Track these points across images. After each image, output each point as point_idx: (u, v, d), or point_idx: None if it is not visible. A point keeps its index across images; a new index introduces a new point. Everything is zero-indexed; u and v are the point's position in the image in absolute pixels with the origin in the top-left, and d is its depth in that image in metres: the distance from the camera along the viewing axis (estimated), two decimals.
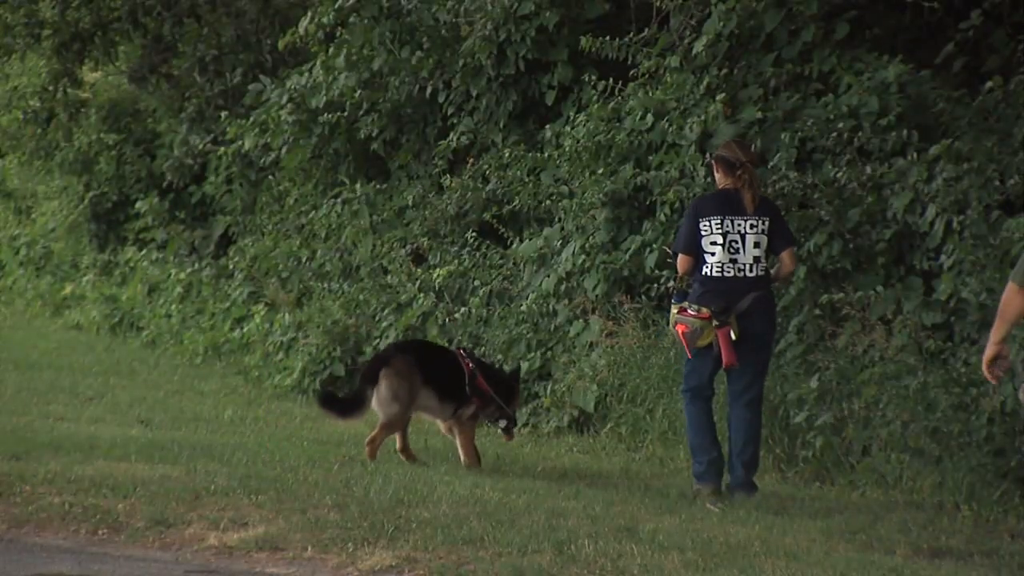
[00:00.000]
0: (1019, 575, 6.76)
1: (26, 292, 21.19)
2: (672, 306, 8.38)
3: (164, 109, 18.54)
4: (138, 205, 18.70)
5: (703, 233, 8.25)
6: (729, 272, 8.21)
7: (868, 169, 9.55)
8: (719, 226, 8.22)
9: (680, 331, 8.22)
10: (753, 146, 9.80)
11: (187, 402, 11.71)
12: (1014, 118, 9.51)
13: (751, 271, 8.22)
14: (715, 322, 8.11)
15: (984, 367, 6.17)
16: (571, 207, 11.22)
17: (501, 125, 12.83)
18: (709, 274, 8.24)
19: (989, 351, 6.10)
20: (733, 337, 8.10)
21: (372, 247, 13.55)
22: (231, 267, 16.14)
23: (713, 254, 8.22)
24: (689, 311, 8.19)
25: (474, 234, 12.36)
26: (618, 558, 6.24)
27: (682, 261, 8.40)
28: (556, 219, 11.57)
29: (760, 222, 8.23)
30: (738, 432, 8.25)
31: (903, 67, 10.05)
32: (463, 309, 11.83)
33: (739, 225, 8.22)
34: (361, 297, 13.07)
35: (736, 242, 8.21)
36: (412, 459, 8.89)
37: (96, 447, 8.36)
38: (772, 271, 8.38)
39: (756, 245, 8.21)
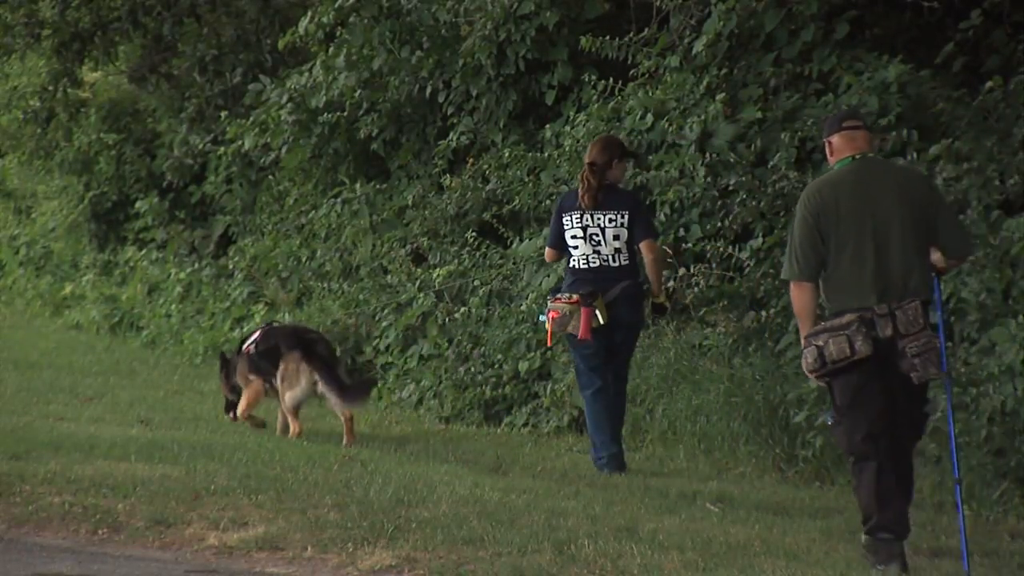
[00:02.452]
0: (1019, 575, 6.76)
1: (26, 292, 21.20)
2: (549, 298, 8.99)
3: (164, 109, 18.53)
4: (138, 205, 18.70)
5: (566, 227, 8.90)
6: (594, 263, 8.82)
7: None
8: (579, 220, 8.84)
9: (552, 316, 8.81)
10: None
11: (187, 402, 11.71)
12: (1014, 118, 9.51)
13: (614, 261, 8.81)
14: (582, 303, 8.71)
15: (804, 364, 6.60)
16: None
17: (501, 125, 12.83)
18: (576, 266, 8.88)
19: (804, 345, 6.57)
20: (601, 321, 8.70)
21: (372, 247, 13.55)
22: (231, 267, 16.14)
23: (576, 247, 8.85)
24: (561, 298, 8.81)
25: (474, 234, 12.36)
26: (618, 558, 6.25)
27: (548, 253, 9.19)
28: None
29: (619, 216, 8.82)
30: (612, 412, 8.93)
31: (903, 67, 10.05)
32: (463, 309, 11.84)
33: (598, 219, 8.82)
34: (361, 297, 13.07)
35: (597, 235, 8.82)
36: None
37: (96, 447, 8.36)
38: (645, 274, 8.93)
39: (616, 238, 8.81)
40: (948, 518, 7.81)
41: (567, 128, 11.64)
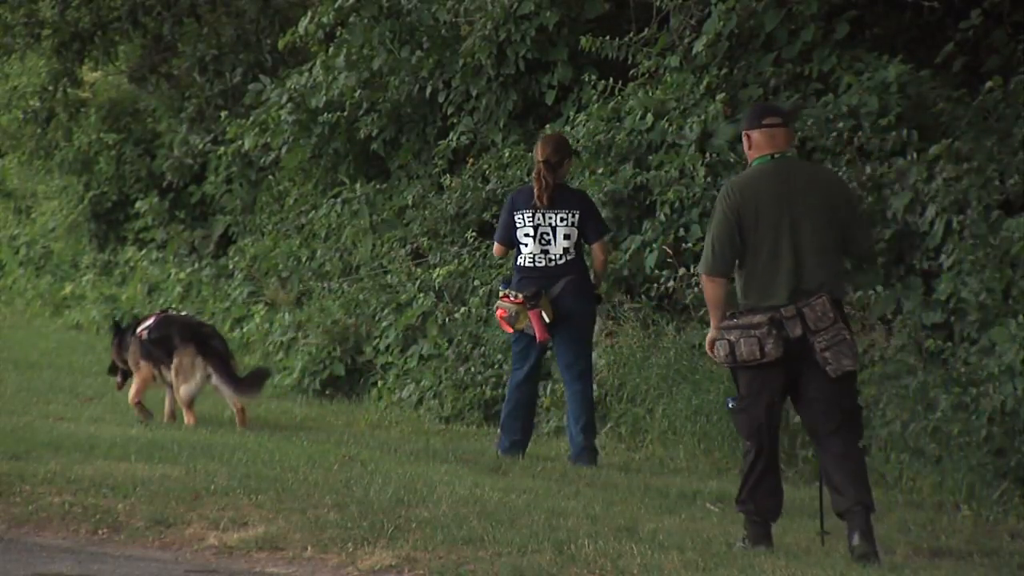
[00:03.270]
0: (1019, 575, 6.76)
1: (26, 292, 21.20)
2: (499, 291, 9.15)
3: (164, 109, 18.54)
4: (138, 205, 18.70)
5: (517, 225, 9.02)
6: (541, 262, 8.96)
7: (868, 169, 9.55)
8: (531, 219, 8.96)
9: (500, 315, 9.02)
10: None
11: None
12: (1014, 118, 9.51)
13: (561, 259, 8.95)
14: (528, 305, 8.86)
15: (707, 348, 6.84)
16: None
17: (501, 125, 12.83)
18: (523, 264, 9.02)
19: (710, 335, 6.77)
20: (547, 319, 8.86)
21: (372, 247, 13.55)
22: (231, 267, 16.14)
23: (527, 245, 8.99)
24: (508, 297, 8.96)
25: (474, 234, 12.36)
26: (618, 558, 6.24)
27: (496, 248, 9.31)
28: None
29: (571, 215, 8.95)
30: (574, 403, 9.04)
31: (903, 67, 10.05)
32: (463, 309, 11.83)
33: (550, 218, 8.93)
34: (361, 297, 13.07)
35: (547, 234, 8.95)
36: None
37: (96, 447, 8.36)
38: (591, 268, 9.10)
39: (566, 237, 8.95)
40: (948, 518, 7.82)
41: (567, 128, 11.64)
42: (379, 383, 12.25)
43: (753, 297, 6.65)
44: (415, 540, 6.40)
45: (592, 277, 9.14)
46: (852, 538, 6.51)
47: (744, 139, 6.90)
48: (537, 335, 8.90)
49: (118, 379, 10.78)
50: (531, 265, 8.98)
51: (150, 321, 10.56)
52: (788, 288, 6.58)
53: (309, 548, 6.37)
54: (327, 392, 12.67)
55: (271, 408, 11.65)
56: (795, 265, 6.59)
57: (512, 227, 9.05)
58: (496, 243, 9.28)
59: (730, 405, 6.89)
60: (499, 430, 9.41)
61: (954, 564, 6.75)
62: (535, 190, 8.96)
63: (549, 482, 8.33)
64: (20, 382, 12.20)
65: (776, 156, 6.75)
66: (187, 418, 10.20)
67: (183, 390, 10.14)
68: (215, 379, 10.10)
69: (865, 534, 6.50)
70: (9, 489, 7.13)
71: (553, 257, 8.95)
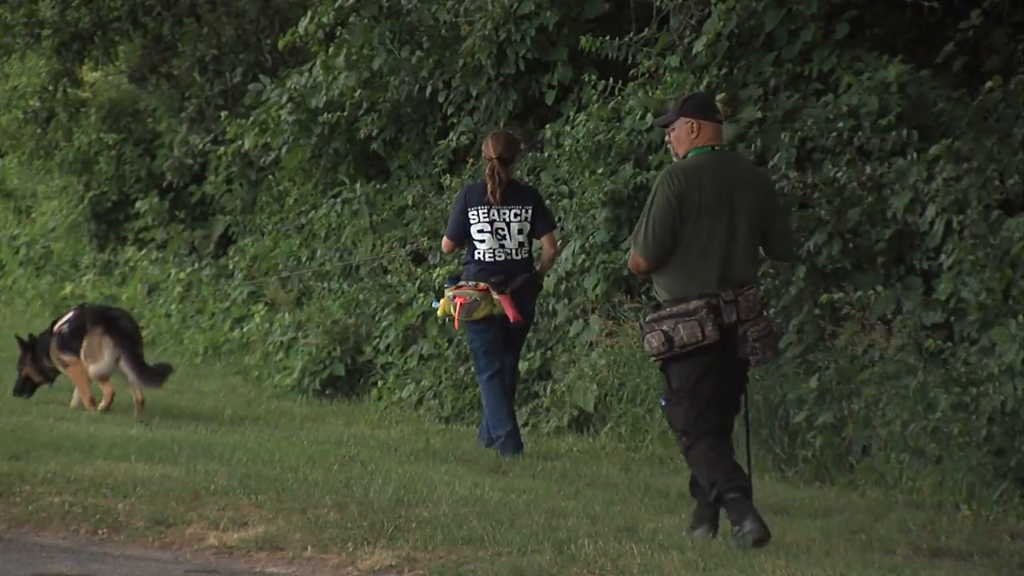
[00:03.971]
0: (1019, 575, 6.76)
1: (26, 292, 21.18)
2: (446, 289, 9.35)
3: (164, 109, 18.53)
4: (138, 205, 18.70)
5: (472, 221, 9.21)
6: (500, 256, 9.18)
7: (868, 169, 9.55)
8: (486, 215, 9.16)
9: (460, 303, 9.15)
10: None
11: (187, 402, 11.71)
12: (1014, 118, 9.51)
13: (517, 254, 9.20)
14: (495, 293, 9.06)
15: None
16: (571, 207, 11.22)
17: (501, 125, 12.83)
18: (482, 259, 9.20)
19: (646, 330, 6.85)
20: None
21: (372, 247, 13.55)
22: (231, 267, 16.14)
23: (483, 241, 9.18)
24: (467, 285, 9.14)
25: None
26: (618, 558, 6.24)
27: (446, 243, 9.49)
28: (556, 219, 11.57)
29: (524, 210, 9.19)
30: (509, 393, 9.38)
31: (903, 67, 10.05)
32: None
33: (504, 214, 9.16)
34: (361, 297, 13.07)
35: (502, 229, 9.17)
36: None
37: (96, 447, 8.36)
38: (537, 259, 9.35)
39: (520, 232, 9.19)
40: (948, 518, 7.82)
41: (567, 128, 11.63)
42: (379, 383, 12.25)
43: (683, 285, 6.77)
44: (415, 540, 6.40)
45: (538, 268, 9.42)
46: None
47: (685, 126, 6.96)
48: (510, 316, 9.07)
49: (27, 395, 10.95)
50: (490, 259, 9.18)
51: (67, 316, 10.82)
52: (719, 278, 6.75)
53: (309, 548, 6.37)
54: (327, 392, 12.67)
55: (271, 408, 11.65)
56: (727, 256, 6.78)
57: (466, 224, 9.23)
58: (446, 238, 9.47)
59: (663, 403, 7.00)
60: (483, 426, 9.57)
61: (954, 564, 6.75)
62: (488, 187, 9.15)
63: (549, 482, 8.33)
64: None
65: (716, 148, 6.93)
66: (105, 391, 10.50)
67: (92, 369, 10.42)
68: (123, 362, 10.34)
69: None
70: (9, 489, 7.13)
71: (510, 251, 9.19)
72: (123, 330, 10.49)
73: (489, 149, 9.21)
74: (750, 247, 6.85)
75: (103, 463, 7.87)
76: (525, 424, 10.74)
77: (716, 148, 6.91)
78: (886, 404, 8.62)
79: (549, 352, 11.02)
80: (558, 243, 9.82)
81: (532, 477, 8.55)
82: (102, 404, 10.53)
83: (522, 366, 10.84)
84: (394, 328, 12.36)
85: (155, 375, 10.53)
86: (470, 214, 9.20)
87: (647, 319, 6.86)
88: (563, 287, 11.09)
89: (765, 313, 6.86)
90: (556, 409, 10.65)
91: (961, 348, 8.64)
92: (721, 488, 6.72)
